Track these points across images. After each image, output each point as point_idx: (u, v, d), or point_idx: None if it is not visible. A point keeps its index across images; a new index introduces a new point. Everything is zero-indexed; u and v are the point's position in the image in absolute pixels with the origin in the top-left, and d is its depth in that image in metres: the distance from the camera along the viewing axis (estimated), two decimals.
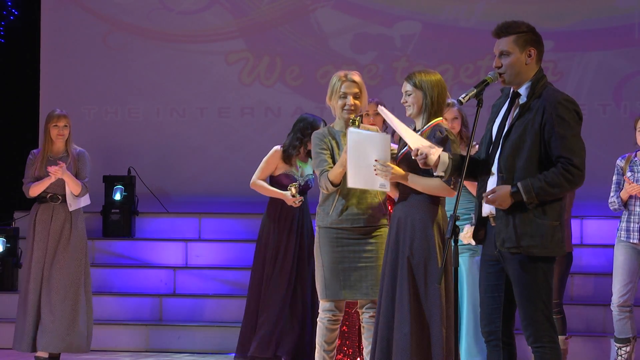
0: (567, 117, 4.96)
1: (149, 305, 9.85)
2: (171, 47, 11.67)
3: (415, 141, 5.26)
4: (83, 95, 11.72)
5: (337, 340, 6.33)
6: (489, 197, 4.97)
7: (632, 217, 7.58)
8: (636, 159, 7.66)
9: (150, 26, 11.73)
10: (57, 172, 8.00)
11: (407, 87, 5.94)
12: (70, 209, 8.18)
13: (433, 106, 5.86)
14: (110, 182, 10.98)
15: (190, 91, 11.65)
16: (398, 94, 10.72)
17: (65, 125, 8.20)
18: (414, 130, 5.85)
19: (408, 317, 5.68)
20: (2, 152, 11.83)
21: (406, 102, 5.95)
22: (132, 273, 10.29)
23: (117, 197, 10.91)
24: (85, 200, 8.27)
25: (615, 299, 7.61)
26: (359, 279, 6.21)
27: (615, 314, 7.62)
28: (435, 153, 5.15)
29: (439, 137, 5.70)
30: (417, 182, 5.75)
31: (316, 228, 6.33)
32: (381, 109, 5.87)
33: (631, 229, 7.57)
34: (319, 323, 6.27)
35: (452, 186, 5.71)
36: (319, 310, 6.29)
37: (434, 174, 5.22)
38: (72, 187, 8.12)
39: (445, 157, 5.16)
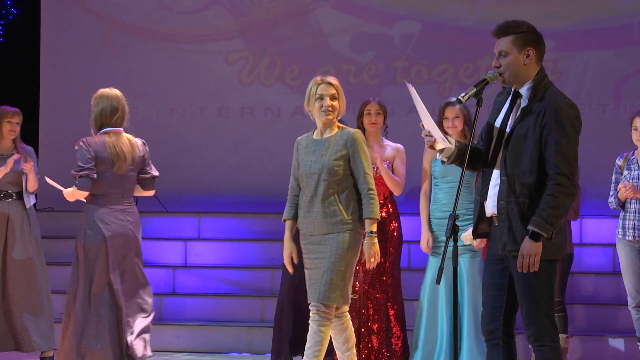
0: (565, 123, 4.96)
1: None
2: (171, 47, 11.67)
3: (428, 123, 5.20)
4: (83, 95, 11.64)
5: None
6: (524, 263, 4.96)
7: (628, 214, 7.61)
8: (633, 157, 7.69)
9: (150, 26, 11.73)
10: (30, 168, 7.94)
11: None
12: (27, 206, 8.08)
13: None
14: None
15: (190, 91, 11.65)
16: (398, 93, 10.81)
17: (18, 123, 8.10)
18: None
19: None
20: None
21: None
22: None
23: None
24: (34, 198, 8.20)
25: (630, 301, 7.67)
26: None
27: (633, 314, 7.68)
28: (444, 143, 5.14)
29: None
30: (73, 194, 6.94)
31: None
32: (409, 86, 5.81)
33: (627, 226, 7.60)
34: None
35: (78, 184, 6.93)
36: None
37: (438, 156, 5.24)
38: (32, 184, 8.02)
39: (452, 143, 5.17)
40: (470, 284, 7.18)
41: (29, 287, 8.03)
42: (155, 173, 7.19)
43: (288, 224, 6.48)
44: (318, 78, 6.42)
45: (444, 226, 7.08)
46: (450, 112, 7.29)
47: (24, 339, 7.98)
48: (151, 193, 7.30)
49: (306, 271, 6.40)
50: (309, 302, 6.36)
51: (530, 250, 4.92)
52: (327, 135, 6.42)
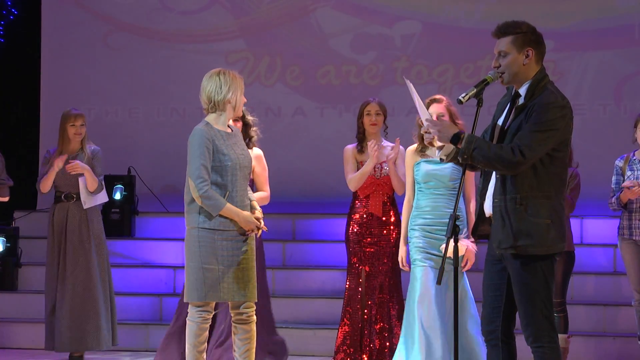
0: (543, 118, 4.94)
1: (149, 305, 9.85)
2: (171, 47, 11.68)
3: (427, 118, 5.19)
4: (83, 95, 11.72)
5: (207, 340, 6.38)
6: (427, 126, 5.01)
7: (634, 214, 7.62)
8: (634, 157, 7.70)
9: (150, 26, 11.74)
10: (75, 168, 8.09)
11: None
12: (85, 207, 8.25)
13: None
14: (110, 181, 10.96)
15: (190, 91, 11.54)
16: (398, 94, 10.81)
17: (82, 124, 8.30)
18: None
19: None
20: (3, 151, 11.82)
21: None
22: (132, 273, 10.30)
23: (117, 196, 10.92)
24: (102, 198, 8.37)
25: (636, 296, 7.69)
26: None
27: (637, 311, 7.67)
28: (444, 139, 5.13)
29: None
30: None
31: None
32: (407, 82, 5.73)
33: (633, 226, 7.62)
34: (190, 323, 6.25)
35: None
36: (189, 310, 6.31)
37: (436, 154, 5.23)
38: (89, 182, 8.19)
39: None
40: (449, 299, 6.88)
41: (80, 287, 8.22)
42: (10, 182, 7.71)
43: (230, 205, 6.17)
44: (237, 72, 6.36)
45: (427, 232, 6.85)
46: (434, 109, 6.84)
47: (89, 339, 8.20)
48: (5, 199, 7.93)
49: (230, 268, 6.19)
50: (232, 301, 6.26)
51: (442, 128, 4.98)
52: (229, 130, 6.34)
